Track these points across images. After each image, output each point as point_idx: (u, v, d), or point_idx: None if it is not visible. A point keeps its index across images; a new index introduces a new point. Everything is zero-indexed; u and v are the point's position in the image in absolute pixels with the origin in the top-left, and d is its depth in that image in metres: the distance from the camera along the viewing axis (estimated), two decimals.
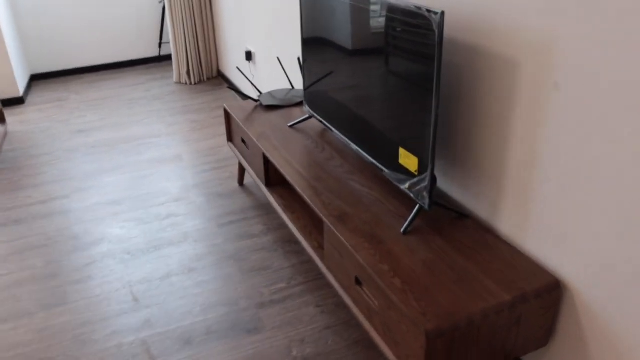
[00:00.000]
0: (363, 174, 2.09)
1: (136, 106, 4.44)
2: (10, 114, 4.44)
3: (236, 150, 2.89)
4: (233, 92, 4.58)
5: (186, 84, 4.87)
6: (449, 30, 1.73)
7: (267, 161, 2.42)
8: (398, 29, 1.64)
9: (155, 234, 2.68)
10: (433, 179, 1.64)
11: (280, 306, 2.17)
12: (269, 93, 2.95)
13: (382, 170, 1.91)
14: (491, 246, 1.63)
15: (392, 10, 1.65)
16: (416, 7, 1.52)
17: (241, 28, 4.06)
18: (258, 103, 2.87)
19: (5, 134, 4.02)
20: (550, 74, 1.39)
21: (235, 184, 3.11)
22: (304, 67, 2.45)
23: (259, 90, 2.97)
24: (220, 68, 4.95)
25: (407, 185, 1.76)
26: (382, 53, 1.76)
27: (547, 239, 1.52)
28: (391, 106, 1.77)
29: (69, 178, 3.32)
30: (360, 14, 1.85)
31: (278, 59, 2.97)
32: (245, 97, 2.91)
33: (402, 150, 1.76)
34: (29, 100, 4.76)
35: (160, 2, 5.30)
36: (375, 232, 1.72)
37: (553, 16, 1.34)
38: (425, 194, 1.66)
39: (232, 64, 4.51)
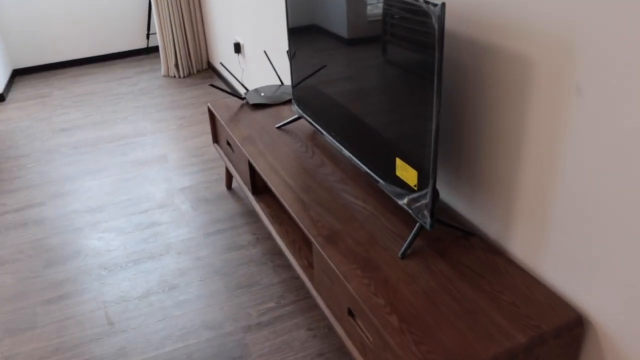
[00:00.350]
0: (356, 184, 1.88)
1: (122, 102, 4.22)
2: None
3: (222, 153, 2.68)
4: (221, 89, 4.35)
5: (175, 77, 4.64)
6: (453, 23, 1.51)
7: (252, 168, 2.21)
8: (395, 22, 1.42)
9: (136, 246, 2.48)
10: (435, 195, 1.43)
11: (269, 329, 1.97)
12: (256, 90, 2.73)
13: (377, 182, 1.70)
14: (502, 272, 1.42)
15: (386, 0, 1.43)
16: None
17: (228, 17, 3.82)
18: (244, 101, 2.66)
19: None
20: (570, 75, 1.17)
21: (223, 187, 2.91)
22: (292, 61, 2.23)
23: (245, 87, 2.75)
24: (210, 60, 4.71)
25: (405, 200, 1.55)
26: (378, 46, 1.54)
27: (567, 266, 1.31)
28: (387, 109, 1.56)
29: (47, 182, 3.12)
30: (353, 1, 1.62)
31: (265, 52, 2.74)
32: (230, 94, 2.69)
33: (399, 161, 1.55)
34: (9, 97, 4.54)
35: None
36: (370, 256, 1.51)
37: (574, 7, 1.12)
38: (426, 212, 1.46)
39: (222, 56, 4.28)
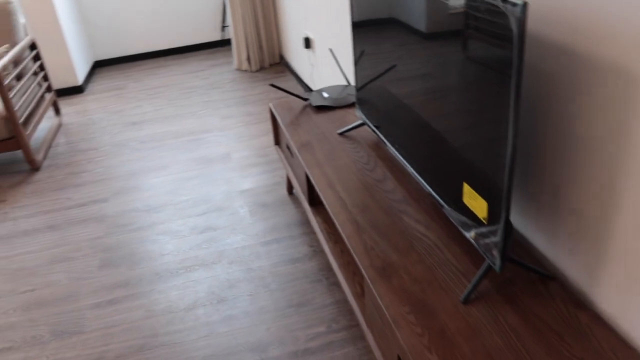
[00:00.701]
0: (420, 206, 1.67)
1: (193, 95, 4.18)
2: (67, 104, 4.32)
3: (282, 156, 2.53)
4: (290, 83, 4.21)
5: (246, 70, 4.56)
6: (537, 25, 1.27)
7: (309, 179, 2.04)
8: (473, 18, 1.20)
9: (189, 252, 2.39)
10: (507, 231, 1.20)
11: (316, 358, 1.80)
12: (321, 91, 2.56)
13: (441, 206, 1.49)
14: (585, 332, 1.17)
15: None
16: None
17: (299, 10, 3.66)
18: (307, 102, 2.49)
19: (59, 127, 3.88)
20: None
21: (284, 191, 2.76)
22: (356, 60, 2.04)
23: (309, 88, 2.58)
24: (283, 53, 4.59)
25: (472, 233, 1.33)
26: (457, 43, 1.32)
27: None
28: (457, 120, 1.34)
29: (112, 177, 3.11)
30: None
31: (330, 50, 2.56)
32: (291, 94, 2.53)
33: (466, 187, 1.33)
34: (88, 88, 4.63)
35: None
36: (427, 297, 1.30)
37: None
38: (495, 252, 1.23)
39: (292, 51, 4.14)
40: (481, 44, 1.14)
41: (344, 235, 1.56)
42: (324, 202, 1.74)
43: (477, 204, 1.29)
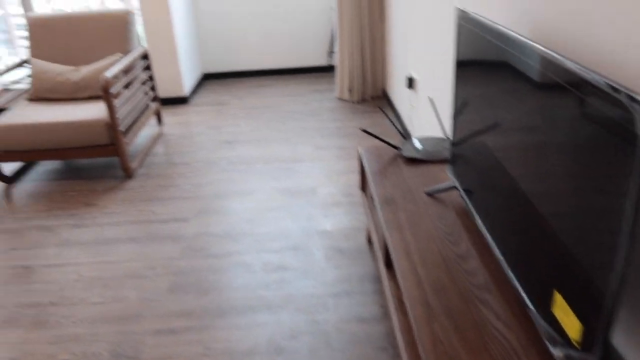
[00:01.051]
0: (503, 297, 1.49)
1: (290, 120, 4.17)
2: (171, 114, 4.47)
3: (366, 204, 2.42)
4: (387, 122, 4.09)
5: (347, 101, 4.49)
6: None
7: (385, 243, 1.91)
8: (581, 111, 1.03)
9: (256, 290, 2.32)
10: None
11: None
12: (415, 141, 2.42)
13: (526, 307, 1.31)
14: None
15: (573, 83, 1.04)
16: (610, 86, 0.91)
17: (406, 47, 3.55)
18: (399, 151, 2.37)
19: (159, 136, 4.01)
20: None
21: (364, 239, 2.64)
22: (456, 111, 1.89)
23: (403, 135, 2.45)
24: (385, 87, 4.48)
25: (560, 354, 1.15)
26: (570, 109, 1.15)
27: None
28: (556, 202, 1.16)
29: (197, 196, 3.13)
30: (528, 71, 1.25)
31: (430, 99, 2.42)
32: (382, 141, 2.41)
33: (557, 296, 1.14)
34: (193, 100, 4.77)
35: (332, 8, 4.98)
36: None
37: None
38: None
39: (394, 88, 4.02)
40: (598, 133, 0.97)
41: (412, 318, 1.42)
42: (397, 273, 1.60)
43: (568, 320, 1.11)
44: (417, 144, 2.38)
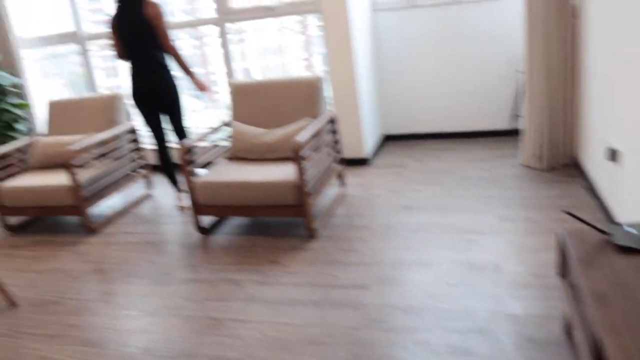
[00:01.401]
0: None
1: (471, 187, 4.03)
2: (352, 175, 4.57)
3: (566, 292, 2.19)
4: (585, 196, 3.74)
5: (534, 168, 4.23)
6: None
7: (597, 348, 1.69)
8: None
9: None
10: None
11: None
12: (629, 226, 2.16)
13: None
14: None
15: None
16: None
17: (604, 110, 3.23)
18: (609, 237, 2.12)
19: (342, 198, 4.10)
20: None
21: (558, 328, 2.39)
22: None
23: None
24: (577, 154, 4.14)
25: None
26: None
27: None
28: None
29: (376, 262, 3.11)
30: None
31: None
32: (589, 225, 2.19)
33: None
34: (374, 162, 4.84)
35: (518, 71, 4.78)
36: None
37: None
38: None
39: (592, 156, 3.68)
40: None
41: None
42: None
43: None
44: (632, 231, 2.12)
